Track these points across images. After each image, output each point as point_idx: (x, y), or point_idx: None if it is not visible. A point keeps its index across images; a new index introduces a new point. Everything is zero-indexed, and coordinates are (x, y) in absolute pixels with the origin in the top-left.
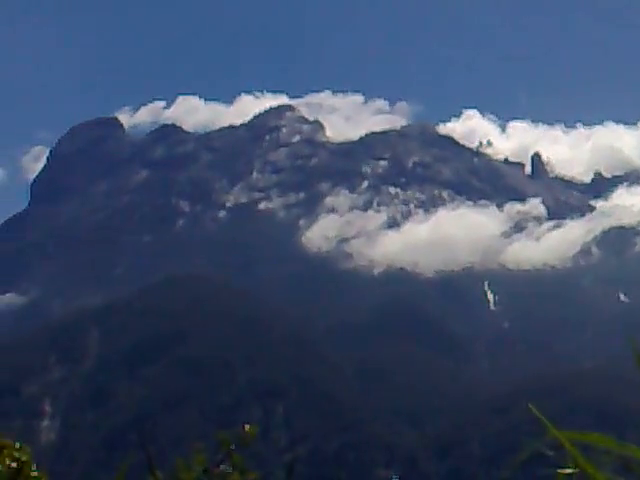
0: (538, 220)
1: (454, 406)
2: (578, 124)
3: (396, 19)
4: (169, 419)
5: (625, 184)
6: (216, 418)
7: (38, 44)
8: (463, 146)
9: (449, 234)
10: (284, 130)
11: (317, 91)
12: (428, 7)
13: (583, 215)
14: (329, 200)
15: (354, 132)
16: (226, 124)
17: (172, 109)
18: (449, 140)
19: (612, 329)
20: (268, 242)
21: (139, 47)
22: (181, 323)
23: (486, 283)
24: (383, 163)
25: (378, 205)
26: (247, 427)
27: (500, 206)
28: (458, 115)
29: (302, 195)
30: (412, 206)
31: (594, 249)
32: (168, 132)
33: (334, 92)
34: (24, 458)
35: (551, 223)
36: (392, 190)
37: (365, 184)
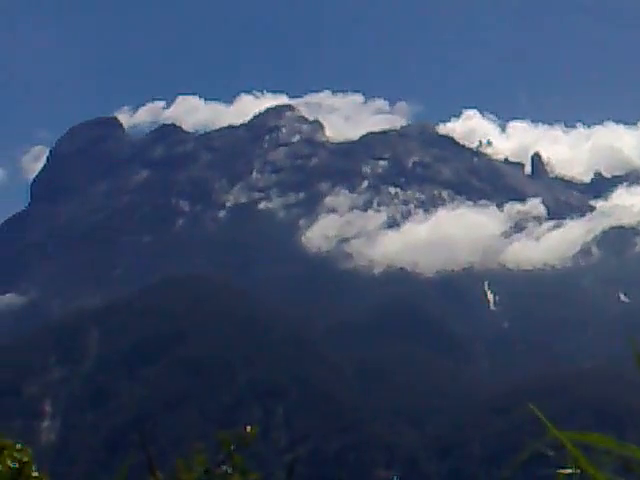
0: (538, 220)
1: (454, 406)
2: (578, 124)
3: (396, 19)
4: (169, 419)
5: (625, 184)
6: (216, 418)
7: (38, 44)
8: (463, 146)
9: (449, 234)
10: (284, 130)
11: (317, 91)
12: (428, 7)
13: (583, 215)
14: (329, 200)
15: (354, 132)
16: (226, 124)
17: (172, 109)
18: (449, 140)
19: (612, 329)
20: (268, 242)
21: (139, 47)
22: (181, 323)
23: (486, 283)
24: (383, 163)
25: (378, 205)
26: (248, 428)
27: (500, 206)
28: (458, 115)
29: (302, 195)
30: (412, 206)
31: (594, 249)
32: (168, 132)
33: (334, 92)
34: (25, 459)
35: (551, 223)
36: (392, 190)
37: (365, 184)
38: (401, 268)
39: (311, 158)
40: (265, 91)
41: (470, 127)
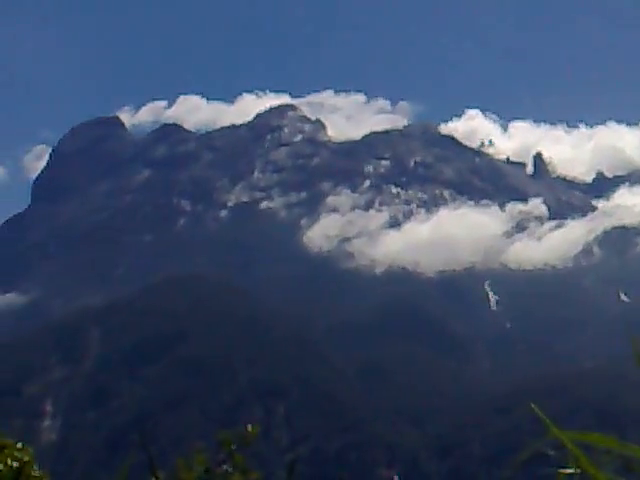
0: (540, 220)
1: (455, 406)
2: (580, 124)
3: (398, 19)
4: (170, 419)
5: (627, 184)
6: (217, 418)
7: (40, 43)
8: (465, 146)
9: (450, 234)
10: (286, 129)
11: (319, 90)
12: (430, 7)
13: (585, 215)
14: (331, 200)
15: (356, 132)
16: (228, 123)
17: (174, 108)
18: (451, 140)
19: (613, 329)
20: (269, 242)
21: (141, 46)
22: (182, 323)
23: (487, 283)
24: (385, 163)
25: (380, 205)
26: (248, 427)
27: (502, 206)
28: (460, 115)
29: (304, 195)
30: (414, 206)
31: (596, 249)
32: (169, 131)
33: (336, 91)
34: (26, 458)
35: (553, 223)
36: (394, 190)
37: (367, 184)
38: (403, 268)
39: (313, 158)
40: (267, 91)
41: (472, 127)
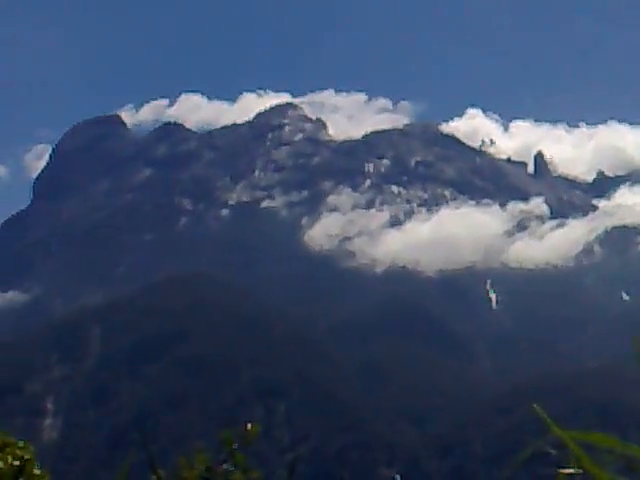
0: (541, 219)
1: (456, 405)
2: (581, 123)
3: (399, 18)
4: (171, 418)
5: (628, 183)
6: (218, 417)
7: (41, 42)
8: (466, 145)
9: (451, 233)
10: (287, 129)
11: (320, 90)
12: (431, 6)
13: (586, 214)
14: (332, 199)
15: (357, 131)
16: (229, 122)
17: (175, 107)
18: (452, 139)
19: (614, 328)
20: (270, 241)
21: (142, 45)
22: (183, 322)
23: (488, 282)
24: (386, 162)
25: (381, 204)
26: (249, 426)
27: (503, 205)
28: (461, 114)
29: (305, 194)
30: (415, 205)
31: (597, 248)
32: (171, 130)
33: (337, 91)
34: (27, 456)
35: (554, 222)
36: (395, 189)
37: (368, 183)
38: (403, 267)
39: (314, 157)
40: (268, 90)
41: (473, 126)
